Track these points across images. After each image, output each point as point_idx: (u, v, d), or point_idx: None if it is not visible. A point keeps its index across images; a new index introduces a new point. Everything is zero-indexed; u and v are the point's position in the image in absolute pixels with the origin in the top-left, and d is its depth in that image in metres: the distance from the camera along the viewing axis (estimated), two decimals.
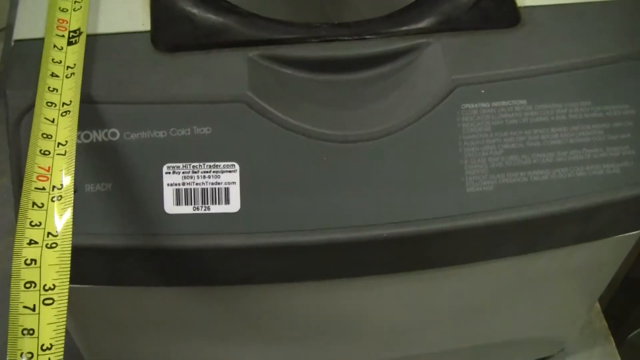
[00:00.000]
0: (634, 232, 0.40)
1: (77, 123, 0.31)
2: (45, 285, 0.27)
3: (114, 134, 0.33)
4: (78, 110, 0.32)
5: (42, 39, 0.34)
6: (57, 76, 0.33)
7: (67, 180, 0.30)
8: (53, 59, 0.34)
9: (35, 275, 0.27)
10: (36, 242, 0.28)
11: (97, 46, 0.35)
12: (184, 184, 0.33)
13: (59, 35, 0.34)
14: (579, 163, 0.36)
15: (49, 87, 0.32)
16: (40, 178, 0.30)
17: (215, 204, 0.34)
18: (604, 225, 0.38)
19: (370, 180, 0.34)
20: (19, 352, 0.26)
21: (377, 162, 0.34)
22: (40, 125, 0.31)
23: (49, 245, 0.28)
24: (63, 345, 0.26)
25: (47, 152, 0.30)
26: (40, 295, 0.27)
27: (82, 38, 0.34)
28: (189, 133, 0.33)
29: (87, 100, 0.33)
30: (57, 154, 0.31)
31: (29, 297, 0.26)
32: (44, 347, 0.26)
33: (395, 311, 0.43)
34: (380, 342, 0.47)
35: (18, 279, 0.27)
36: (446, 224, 0.35)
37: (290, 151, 0.34)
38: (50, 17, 0.35)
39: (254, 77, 0.34)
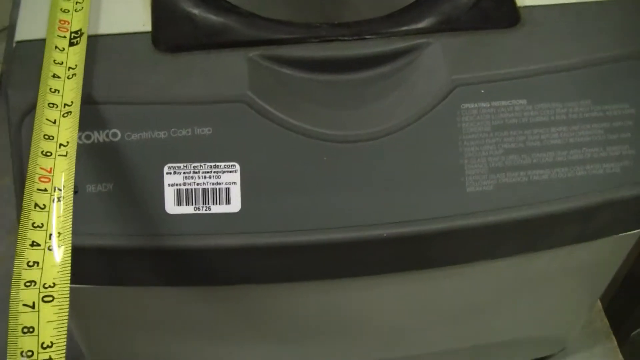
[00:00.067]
0: (634, 231, 0.40)
1: (78, 124, 0.32)
2: (45, 283, 0.27)
3: (115, 135, 0.33)
4: (79, 111, 0.32)
5: (43, 40, 0.34)
6: (58, 77, 0.33)
7: (68, 181, 0.30)
8: (54, 60, 0.34)
9: (36, 275, 0.27)
10: (38, 244, 0.28)
11: (98, 47, 0.35)
12: (184, 184, 0.33)
13: (60, 36, 0.35)
14: (579, 162, 0.36)
15: (50, 89, 0.33)
16: (42, 179, 0.30)
17: (216, 204, 0.34)
18: (604, 225, 0.38)
19: (371, 180, 0.34)
20: (19, 351, 0.26)
21: (377, 162, 0.34)
22: (42, 126, 0.31)
23: (50, 247, 0.28)
24: (65, 344, 0.26)
25: (48, 154, 0.31)
26: (39, 292, 0.27)
27: (84, 39, 0.34)
28: (189, 133, 0.33)
29: (88, 101, 0.33)
30: (59, 155, 0.31)
31: (29, 295, 0.27)
32: (44, 345, 0.26)
33: (396, 311, 0.43)
34: (381, 341, 0.47)
35: (19, 278, 0.27)
36: (446, 223, 0.35)
37: (290, 151, 0.34)
38: (52, 18, 0.35)
39: (254, 77, 0.34)
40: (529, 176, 0.35)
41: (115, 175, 0.33)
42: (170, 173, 0.33)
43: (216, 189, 0.34)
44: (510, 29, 0.36)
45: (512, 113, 0.35)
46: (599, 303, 0.60)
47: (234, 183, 0.34)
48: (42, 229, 0.28)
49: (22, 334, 0.26)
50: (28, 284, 0.27)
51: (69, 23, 0.35)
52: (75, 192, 0.32)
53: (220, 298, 0.40)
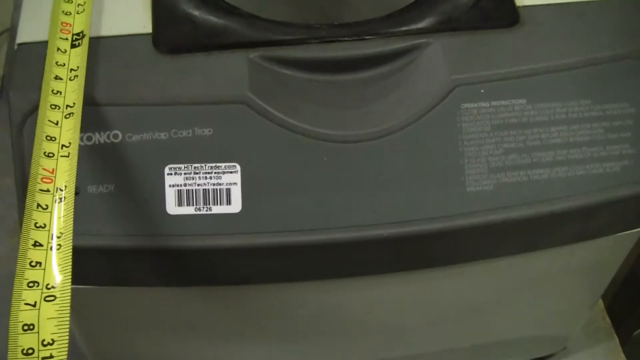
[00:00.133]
0: (634, 230, 0.40)
1: (79, 125, 0.32)
2: (48, 284, 0.27)
3: (116, 136, 0.33)
4: (81, 112, 0.32)
5: (45, 42, 0.35)
6: (60, 79, 0.33)
7: (70, 182, 0.30)
8: (57, 62, 0.34)
9: (39, 275, 0.27)
10: (41, 245, 0.28)
11: (99, 48, 0.35)
12: (185, 184, 0.34)
13: (62, 38, 0.35)
14: (579, 162, 0.36)
15: (52, 90, 0.33)
16: (44, 180, 0.30)
17: (217, 204, 0.34)
18: (605, 224, 0.38)
19: (371, 180, 0.35)
20: (19, 349, 0.26)
21: (378, 162, 0.35)
22: (44, 127, 0.32)
23: (52, 247, 0.28)
24: (67, 341, 0.26)
25: (51, 154, 0.31)
26: (42, 293, 0.27)
27: (85, 41, 0.35)
28: (190, 134, 0.34)
29: (90, 102, 0.33)
30: (61, 156, 0.31)
31: (31, 295, 0.27)
32: (45, 343, 0.26)
33: (397, 311, 0.43)
34: (382, 341, 0.47)
35: (22, 278, 0.27)
36: (446, 223, 0.35)
37: (290, 152, 0.34)
38: (54, 20, 0.35)
39: (255, 78, 0.34)
40: (529, 176, 0.35)
41: (116, 176, 0.33)
42: (171, 174, 0.33)
43: (217, 189, 0.34)
44: (510, 28, 0.36)
45: (512, 113, 0.35)
46: (600, 302, 0.60)
47: (235, 184, 0.34)
48: (45, 229, 0.29)
49: (22, 332, 0.26)
50: (31, 284, 0.27)
51: (70, 25, 0.35)
52: (76, 193, 0.32)
53: (221, 298, 0.40)
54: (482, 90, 0.35)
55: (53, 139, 0.31)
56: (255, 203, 0.34)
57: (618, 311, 0.61)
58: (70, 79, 0.33)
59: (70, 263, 0.28)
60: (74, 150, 0.31)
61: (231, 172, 0.34)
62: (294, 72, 0.35)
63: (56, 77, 0.33)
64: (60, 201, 0.29)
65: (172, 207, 0.33)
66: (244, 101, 0.34)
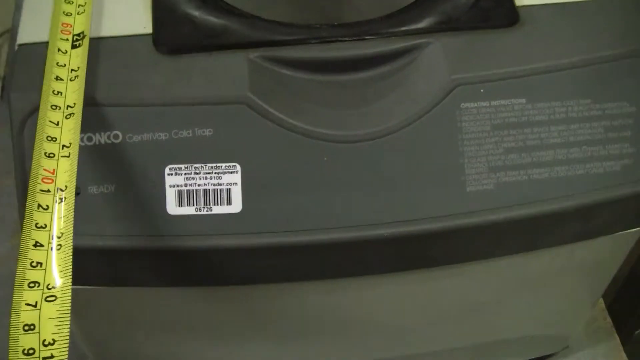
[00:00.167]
0: (635, 229, 0.40)
1: (80, 125, 0.32)
2: (48, 284, 0.27)
3: (116, 136, 0.34)
4: (81, 112, 0.32)
5: (46, 43, 0.35)
6: (61, 79, 0.33)
7: (71, 182, 0.30)
8: (57, 62, 0.34)
9: (40, 276, 0.27)
10: (42, 245, 0.28)
11: (100, 49, 0.35)
12: (186, 185, 0.34)
13: (63, 39, 0.35)
14: (579, 161, 0.36)
15: (53, 90, 0.33)
16: (45, 180, 0.30)
17: (217, 204, 0.34)
18: (605, 223, 0.38)
19: (371, 180, 0.35)
20: (20, 349, 0.26)
21: (378, 162, 0.35)
22: (45, 127, 0.32)
23: (52, 247, 0.28)
24: (67, 341, 0.26)
25: (51, 155, 0.31)
26: (43, 293, 0.27)
27: (86, 41, 0.35)
28: (190, 134, 0.34)
29: (90, 103, 0.33)
30: (62, 156, 0.31)
31: (32, 296, 0.27)
32: (46, 343, 0.26)
33: (398, 310, 0.43)
34: (383, 341, 0.47)
35: (23, 278, 0.27)
36: (447, 223, 0.35)
37: (291, 152, 0.34)
38: (54, 20, 0.36)
39: (255, 79, 0.34)
40: (529, 175, 0.35)
41: (117, 177, 0.33)
42: (172, 174, 0.34)
43: (217, 189, 0.34)
44: (509, 28, 0.37)
45: (512, 112, 0.35)
46: (601, 301, 0.60)
47: (235, 184, 0.34)
48: (46, 229, 0.29)
49: (23, 332, 0.26)
50: (32, 284, 0.27)
51: (71, 26, 0.35)
52: (77, 194, 0.33)
53: (221, 298, 0.40)
54: (482, 90, 0.35)
55: (54, 139, 0.31)
56: (256, 203, 0.34)
57: (619, 311, 0.61)
58: (70, 80, 0.33)
59: (71, 263, 0.28)
60: (74, 151, 0.31)
61: (231, 172, 0.34)
62: (294, 72, 0.35)
63: (57, 78, 0.33)
64: (61, 201, 0.29)
65: (172, 208, 0.34)
66: (244, 101, 0.34)
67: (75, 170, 0.30)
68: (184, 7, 0.36)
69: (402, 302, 0.42)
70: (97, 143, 0.33)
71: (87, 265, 0.34)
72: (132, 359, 0.46)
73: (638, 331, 0.63)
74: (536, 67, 0.36)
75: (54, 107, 0.32)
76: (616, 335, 0.59)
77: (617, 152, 0.36)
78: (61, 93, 0.33)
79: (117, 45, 0.35)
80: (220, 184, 0.34)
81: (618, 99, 0.36)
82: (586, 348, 0.58)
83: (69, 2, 0.36)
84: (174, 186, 0.34)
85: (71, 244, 0.28)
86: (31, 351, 0.26)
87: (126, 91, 0.34)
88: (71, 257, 0.28)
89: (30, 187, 0.30)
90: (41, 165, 0.30)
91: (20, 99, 0.33)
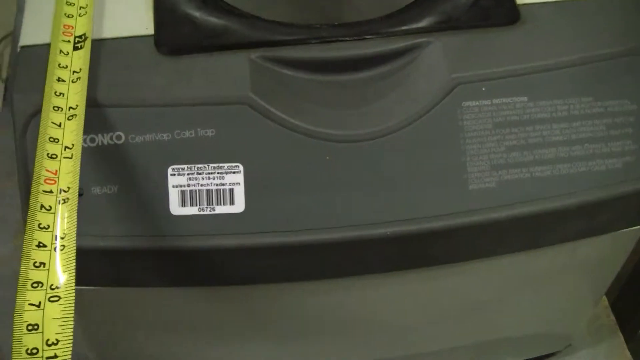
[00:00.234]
0: (637, 227, 0.40)
1: (82, 126, 0.32)
2: (52, 284, 0.27)
3: (119, 137, 0.34)
4: (84, 113, 0.32)
5: (48, 45, 0.35)
6: (63, 81, 0.33)
7: (73, 183, 0.30)
8: (59, 64, 0.34)
9: (43, 276, 0.27)
10: (45, 245, 0.28)
11: (102, 50, 0.35)
12: (189, 185, 0.34)
13: (64, 41, 0.35)
14: (581, 158, 0.36)
15: (55, 92, 0.33)
16: (47, 181, 0.30)
17: (220, 204, 0.34)
18: (607, 220, 0.38)
19: (373, 179, 0.35)
20: (24, 349, 0.26)
21: (380, 161, 0.35)
22: (47, 129, 0.32)
23: (55, 248, 0.28)
24: (71, 341, 0.26)
25: (54, 156, 0.31)
26: (46, 293, 0.27)
27: (87, 43, 0.35)
28: (193, 135, 0.34)
29: (93, 104, 0.33)
30: (64, 157, 0.31)
31: (36, 296, 0.27)
32: (49, 342, 0.26)
33: (401, 309, 0.43)
34: (386, 340, 0.47)
35: (26, 279, 0.27)
36: (449, 221, 0.35)
37: (293, 151, 0.34)
38: (56, 22, 0.36)
39: (256, 79, 0.34)
40: (531, 173, 0.35)
41: (120, 177, 0.33)
42: (175, 174, 0.34)
43: (220, 189, 0.34)
44: (510, 26, 0.37)
45: (513, 110, 0.35)
46: (605, 299, 0.60)
47: (238, 184, 0.34)
48: (49, 230, 0.29)
49: (26, 332, 0.26)
50: (35, 284, 0.27)
51: (73, 28, 0.36)
52: (80, 195, 0.33)
53: (224, 298, 0.40)
54: (483, 88, 0.35)
55: (56, 140, 0.31)
56: (259, 203, 0.34)
57: (622, 308, 0.61)
58: (72, 81, 0.33)
59: (74, 263, 0.28)
60: (77, 152, 0.31)
61: (234, 172, 0.34)
62: (295, 72, 0.35)
63: (59, 79, 0.33)
64: (64, 202, 0.29)
65: (175, 208, 0.34)
66: (245, 102, 0.34)
67: (78, 171, 0.30)
68: (185, 8, 0.36)
69: (404, 301, 0.42)
70: (100, 144, 0.34)
71: (90, 266, 0.34)
72: (134, 359, 0.46)
73: None
74: (537, 65, 0.36)
75: (56, 108, 0.32)
76: (620, 333, 0.59)
77: (619, 149, 0.36)
78: (63, 94, 0.33)
79: (119, 46, 0.35)
80: (223, 184, 0.34)
81: (619, 97, 0.36)
82: (589, 346, 0.58)
83: (70, 4, 0.36)
84: (176, 186, 0.34)
85: (74, 244, 0.28)
86: (35, 351, 0.26)
87: (129, 92, 0.34)
88: (74, 257, 0.28)
89: (33, 188, 0.30)
90: (44, 167, 0.30)
91: (23, 101, 0.33)
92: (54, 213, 0.29)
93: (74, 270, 0.28)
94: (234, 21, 0.36)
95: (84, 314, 0.39)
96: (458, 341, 0.49)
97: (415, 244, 0.36)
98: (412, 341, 0.48)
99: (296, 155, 0.34)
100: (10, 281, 0.29)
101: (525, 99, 0.35)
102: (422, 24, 0.36)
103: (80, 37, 0.35)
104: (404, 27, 0.36)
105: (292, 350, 0.46)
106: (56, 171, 0.30)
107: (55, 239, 0.28)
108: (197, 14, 0.36)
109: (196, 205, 0.34)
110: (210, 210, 0.34)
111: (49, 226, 0.29)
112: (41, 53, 0.34)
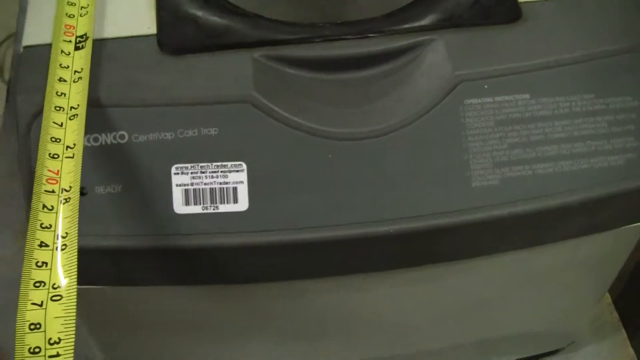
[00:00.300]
0: (639, 224, 0.40)
1: (84, 126, 0.32)
2: (54, 284, 0.27)
3: (122, 137, 0.34)
4: (85, 113, 0.32)
5: (49, 45, 0.35)
6: (64, 81, 0.33)
7: (75, 182, 0.30)
8: (61, 64, 0.34)
9: (45, 276, 0.27)
10: (47, 245, 0.28)
11: (103, 50, 0.35)
12: (192, 184, 0.34)
13: (66, 41, 0.35)
14: (583, 155, 0.36)
15: (57, 92, 0.33)
16: (49, 181, 0.30)
17: (224, 203, 0.34)
18: (610, 217, 0.38)
19: (376, 177, 0.35)
20: (26, 348, 0.26)
21: (383, 159, 0.35)
22: (49, 129, 0.32)
23: (57, 247, 0.28)
24: (73, 339, 0.26)
25: (56, 156, 0.31)
26: (48, 293, 0.27)
27: (89, 43, 0.35)
28: (196, 134, 0.34)
29: (96, 104, 0.33)
30: (66, 157, 0.31)
31: (38, 295, 0.27)
32: (52, 341, 0.26)
33: (404, 307, 0.44)
34: (390, 337, 0.47)
35: (28, 278, 0.27)
36: (452, 219, 0.35)
37: (296, 150, 0.34)
38: (57, 23, 0.36)
39: (259, 78, 0.34)
40: (533, 170, 0.35)
41: (123, 177, 0.33)
42: (178, 173, 0.34)
43: (223, 188, 0.34)
44: (512, 24, 0.37)
45: (516, 108, 0.35)
46: (607, 296, 0.60)
47: (241, 182, 0.34)
48: (51, 229, 0.29)
49: (29, 331, 0.26)
50: (37, 284, 0.27)
51: (74, 28, 0.36)
52: (83, 194, 0.33)
53: (228, 297, 0.40)
54: (485, 86, 0.35)
55: (58, 140, 0.31)
56: (262, 201, 0.34)
57: (625, 306, 0.61)
58: (74, 81, 0.33)
59: (76, 263, 0.28)
60: (78, 152, 0.31)
61: (237, 171, 0.34)
62: (298, 71, 0.35)
63: (60, 79, 0.33)
64: (66, 202, 0.30)
65: (179, 207, 0.34)
66: (248, 100, 0.34)
67: (80, 171, 0.30)
68: (188, 8, 0.36)
69: (407, 299, 0.43)
70: (104, 144, 0.34)
71: (95, 265, 0.34)
72: (137, 358, 0.46)
73: None
74: (539, 62, 0.36)
75: (57, 108, 0.32)
76: (623, 330, 0.59)
77: (621, 146, 0.36)
78: (65, 94, 0.33)
79: (121, 46, 0.35)
80: (227, 183, 0.34)
81: (621, 94, 0.36)
82: (592, 343, 0.58)
83: (71, 4, 0.36)
84: (180, 185, 0.34)
85: (76, 243, 0.28)
86: (37, 350, 0.26)
87: (132, 92, 0.34)
88: (76, 256, 0.28)
89: (35, 188, 0.30)
90: (45, 166, 0.30)
91: (25, 101, 0.33)
92: (56, 213, 0.29)
93: (76, 270, 0.28)
94: (236, 20, 0.36)
95: (90, 314, 0.39)
96: (460, 339, 0.49)
97: (419, 242, 0.36)
98: (415, 339, 0.48)
99: (299, 154, 0.34)
100: (12, 282, 0.29)
101: (527, 96, 0.35)
102: (424, 22, 0.36)
103: (81, 37, 0.35)
104: (406, 25, 0.36)
105: (294, 349, 0.46)
106: (58, 171, 0.30)
107: (57, 239, 0.28)
108: (199, 13, 0.36)
109: (200, 204, 0.34)
110: (213, 209, 0.34)
111: (50, 226, 0.29)
112: (44, 53, 0.34)
